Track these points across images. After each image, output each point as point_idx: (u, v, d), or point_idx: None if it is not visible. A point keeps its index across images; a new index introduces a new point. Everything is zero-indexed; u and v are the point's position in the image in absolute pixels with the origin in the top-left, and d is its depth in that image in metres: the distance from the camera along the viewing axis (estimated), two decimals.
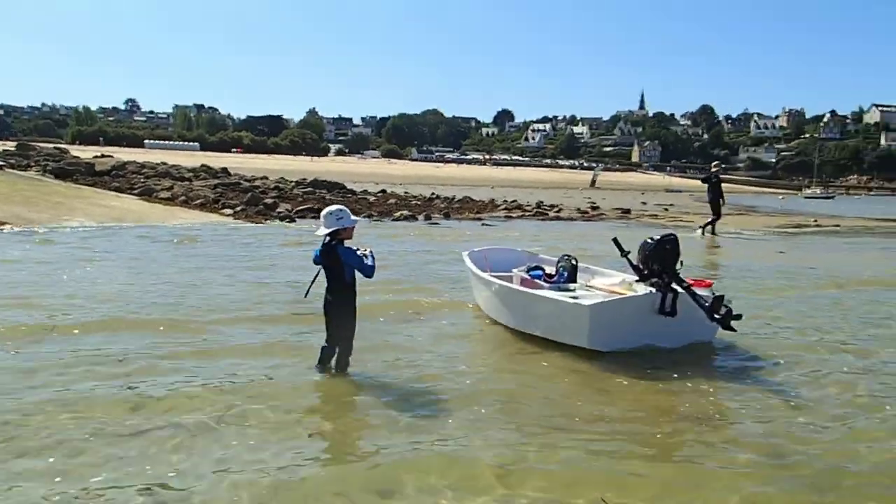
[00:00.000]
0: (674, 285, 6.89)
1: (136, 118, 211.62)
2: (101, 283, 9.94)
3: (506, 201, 37.26)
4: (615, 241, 7.49)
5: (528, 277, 8.00)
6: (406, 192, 41.47)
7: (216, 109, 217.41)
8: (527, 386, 6.31)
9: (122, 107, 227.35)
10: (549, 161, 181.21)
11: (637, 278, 7.76)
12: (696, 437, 5.29)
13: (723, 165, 22.88)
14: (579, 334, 6.74)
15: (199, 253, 13.99)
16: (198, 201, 25.30)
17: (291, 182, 35.69)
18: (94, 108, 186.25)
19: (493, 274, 8.13)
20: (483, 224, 23.93)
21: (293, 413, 5.46)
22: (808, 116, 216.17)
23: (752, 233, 23.67)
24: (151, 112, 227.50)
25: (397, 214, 25.52)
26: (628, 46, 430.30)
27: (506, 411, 5.70)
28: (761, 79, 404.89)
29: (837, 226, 28.30)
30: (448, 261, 13.70)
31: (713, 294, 6.89)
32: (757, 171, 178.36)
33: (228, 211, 23.69)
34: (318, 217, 25.89)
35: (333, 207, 6.08)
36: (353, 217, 6.09)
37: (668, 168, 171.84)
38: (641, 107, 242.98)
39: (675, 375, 6.53)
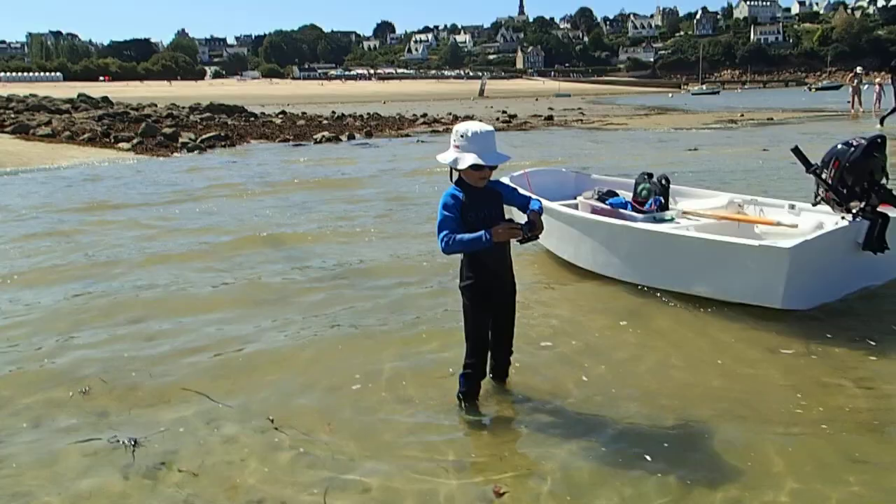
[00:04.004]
0: (883, 208, 4.89)
1: None
2: None
3: (415, 115, 35.42)
4: (797, 150, 5.20)
5: (607, 207, 6.07)
6: (303, 113, 38.79)
7: (76, 36, 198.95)
8: (717, 389, 3.91)
9: None
10: (434, 72, 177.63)
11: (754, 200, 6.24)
12: None
13: None
14: (767, 289, 4.72)
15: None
16: (85, 136, 22.07)
17: (185, 108, 32.29)
18: None
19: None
20: (419, 141, 22.04)
21: None
22: (681, 14, 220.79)
23: (693, 130, 22.86)
24: (2, 42, 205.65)
25: (318, 136, 23.21)
26: None
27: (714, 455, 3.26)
28: None
29: (771, 119, 28.03)
30: (434, 187, 11.77)
31: None
32: (637, 71, 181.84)
33: (125, 145, 20.72)
34: (227, 145, 22.95)
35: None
36: (465, 148, 3.36)
37: (552, 73, 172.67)
38: (521, 12, 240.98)
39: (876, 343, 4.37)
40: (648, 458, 3.21)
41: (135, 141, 21.12)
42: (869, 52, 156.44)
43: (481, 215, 3.42)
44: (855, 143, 4.94)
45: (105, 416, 3.83)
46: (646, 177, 6.44)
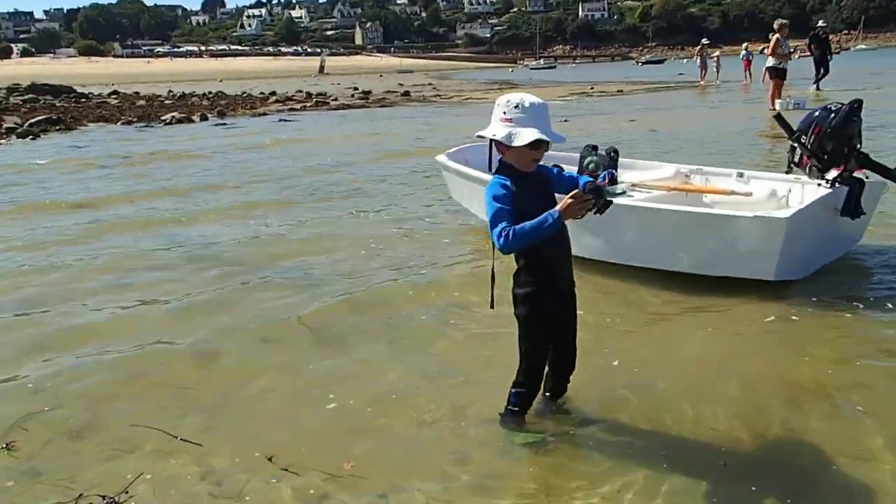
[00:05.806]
0: (859, 173, 4.84)
1: None
2: None
3: (264, 93, 33.88)
4: (779, 118, 5.10)
5: None
6: (136, 93, 36.13)
7: None
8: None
9: None
10: (270, 49, 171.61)
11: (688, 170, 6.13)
12: None
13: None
14: (761, 262, 4.52)
15: None
16: None
17: (1, 90, 28.89)
18: None
19: None
20: (282, 120, 20.79)
21: None
22: None
23: (554, 103, 23.15)
24: None
25: (167, 117, 21.34)
26: None
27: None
28: None
29: (620, 91, 29.06)
30: (348, 170, 10.93)
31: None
32: (475, 46, 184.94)
33: None
34: (63, 129, 20.77)
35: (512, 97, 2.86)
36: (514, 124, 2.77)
37: (392, 49, 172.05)
38: None
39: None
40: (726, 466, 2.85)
41: None
42: (684, 27, 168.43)
43: (535, 206, 2.73)
44: (835, 109, 4.82)
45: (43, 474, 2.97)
46: (591, 149, 6.07)
